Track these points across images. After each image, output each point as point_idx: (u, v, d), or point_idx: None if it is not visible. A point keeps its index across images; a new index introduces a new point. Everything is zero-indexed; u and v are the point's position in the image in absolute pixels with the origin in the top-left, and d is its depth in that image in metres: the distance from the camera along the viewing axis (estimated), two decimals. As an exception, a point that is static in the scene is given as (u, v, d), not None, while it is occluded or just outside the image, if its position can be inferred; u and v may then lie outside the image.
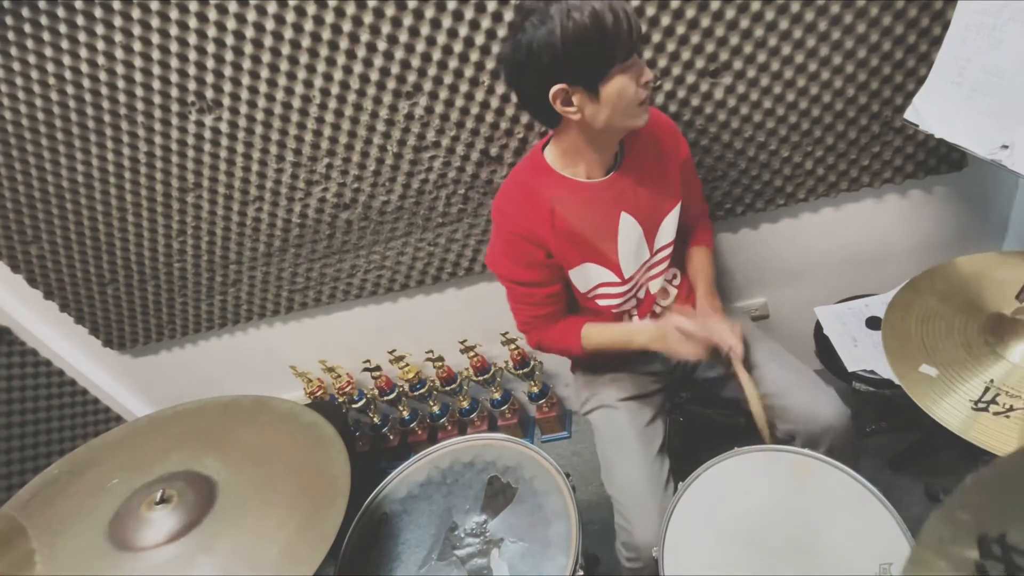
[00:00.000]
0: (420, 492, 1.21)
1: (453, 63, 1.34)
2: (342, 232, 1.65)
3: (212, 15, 1.32)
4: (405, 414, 2.09)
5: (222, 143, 1.49)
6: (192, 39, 1.35)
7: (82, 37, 1.36)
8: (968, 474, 0.58)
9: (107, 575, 0.87)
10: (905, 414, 1.48)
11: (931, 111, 1.12)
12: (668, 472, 1.19)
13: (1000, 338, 0.93)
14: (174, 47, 1.36)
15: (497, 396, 2.01)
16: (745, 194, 1.49)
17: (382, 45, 1.33)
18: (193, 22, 1.32)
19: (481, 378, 1.94)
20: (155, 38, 1.35)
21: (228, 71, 1.38)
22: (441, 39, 1.31)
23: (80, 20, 1.33)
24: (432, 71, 1.36)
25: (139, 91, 1.42)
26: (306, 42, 1.34)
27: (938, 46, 1.10)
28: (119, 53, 1.37)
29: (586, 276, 1.20)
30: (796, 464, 1.04)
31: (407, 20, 1.29)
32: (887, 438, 1.61)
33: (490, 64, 1.34)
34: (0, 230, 1.66)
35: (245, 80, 1.39)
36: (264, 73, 1.38)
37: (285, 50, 1.35)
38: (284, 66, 1.37)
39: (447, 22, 1.29)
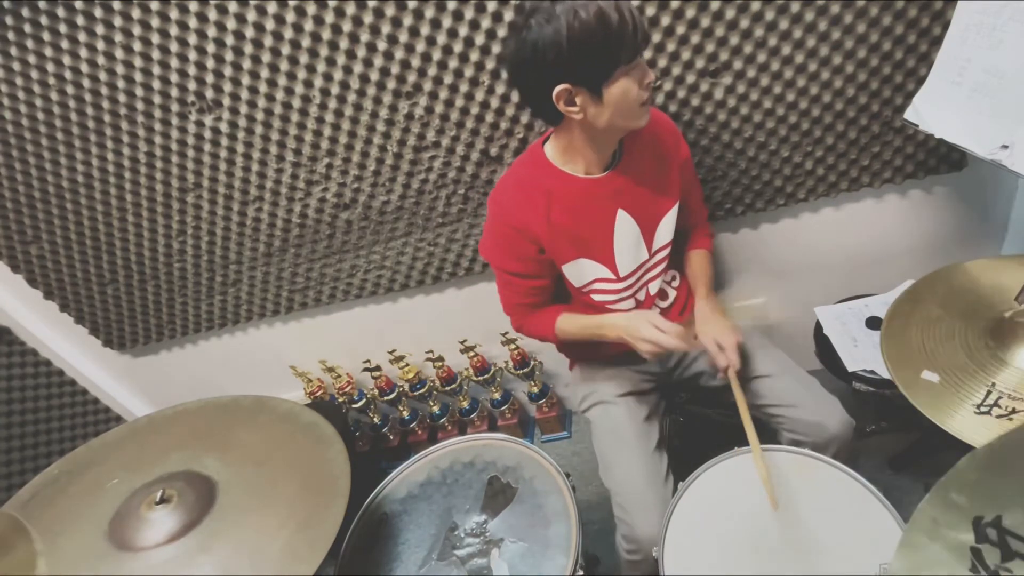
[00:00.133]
0: (420, 492, 1.21)
1: (453, 63, 1.34)
2: (342, 232, 1.65)
3: (212, 15, 1.32)
4: (405, 414, 2.09)
5: (222, 143, 1.49)
6: (192, 39, 1.35)
7: (82, 37, 1.36)
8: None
9: (107, 575, 0.87)
10: (905, 414, 1.48)
11: (931, 111, 1.12)
12: (667, 466, 1.19)
13: (1001, 342, 0.93)
14: (174, 47, 1.36)
15: (497, 396, 2.01)
16: (745, 194, 1.49)
17: (382, 45, 1.33)
18: (193, 22, 1.32)
19: (481, 378, 1.94)
20: (155, 38, 1.35)
21: (228, 71, 1.38)
22: (441, 39, 1.31)
23: (80, 20, 1.33)
24: (432, 71, 1.36)
25: (139, 91, 1.42)
26: (306, 42, 1.34)
27: (938, 46, 1.10)
28: (119, 53, 1.37)
29: (580, 272, 1.21)
30: (796, 464, 1.04)
31: (407, 20, 1.29)
32: (887, 438, 1.61)
33: (490, 64, 1.34)
34: (0, 230, 1.66)
35: (245, 80, 1.39)
36: (264, 73, 1.38)
37: (285, 50, 1.35)
38: (284, 66, 1.37)
39: (447, 22, 1.29)
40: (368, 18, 1.30)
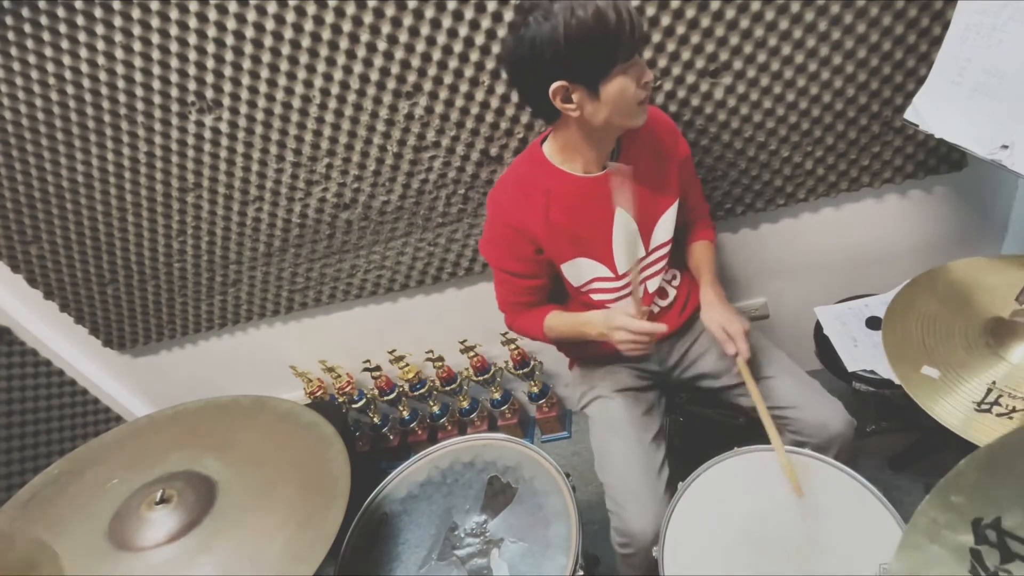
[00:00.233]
0: (420, 492, 1.21)
1: (453, 63, 1.34)
2: (342, 232, 1.65)
3: (212, 15, 1.32)
4: (405, 414, 2.09)
5: (222, 143, 1.49)
6: (192, 39, 1.34)
7: (82, 37, 1.35)
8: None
9: (107, 575, 0.87)
10: (905, 414, 1.48)
11: (931, 111, 1.12)
12: (663, 460, 1.19)
13: (1001, 340, 0.93)
14: (174, 47, 1.36)
15: (497, 396, 2.01)
16: (745, 194, 1.49)
17: (382, 45, 1.33)
18: (193, 22, 1.32)
19: (481, 378, 1.94)
20: (155, 38, 1.35)
21: (228, 71, 1.38)
22: (441, 39, 1.31)
23: (80, 20, 1.33)
24: (432, 71, 1.36)
25: (139, 91, 1.42)
26: (306, 42, 1.34)
27: (938, 46, 1.10)
28: (119, 53, 1.37)
29: (579, 271, 1.21)
30: (796, 464, 1.04)
31: (407, 20, 1.29)
32: (887, 438, 1.61)
33: (490, 64, 1.34)
34: (0, 230, 1.66)
35: (245, 80, 1.39)
36: (264, 73, 1.38)
37: (285, 50, 1.35)
38: (284, 66, 1.37)
39: (447, 22, 1.29)
40: (368, 18, 1.30)
